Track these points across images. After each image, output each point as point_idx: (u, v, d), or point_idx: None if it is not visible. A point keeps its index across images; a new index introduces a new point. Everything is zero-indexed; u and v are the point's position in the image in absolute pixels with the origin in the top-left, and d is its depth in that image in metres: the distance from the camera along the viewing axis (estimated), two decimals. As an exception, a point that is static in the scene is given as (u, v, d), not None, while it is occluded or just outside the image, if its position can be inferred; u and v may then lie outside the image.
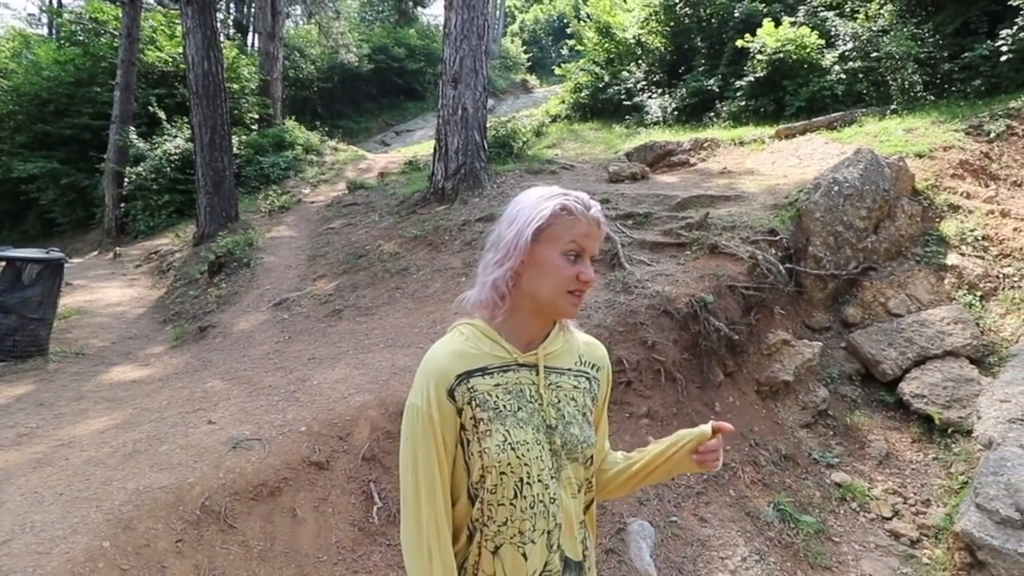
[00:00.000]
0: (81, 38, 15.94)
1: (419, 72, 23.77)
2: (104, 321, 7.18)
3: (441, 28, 24.97)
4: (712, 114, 10.16)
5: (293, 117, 17.98)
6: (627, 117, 11.54)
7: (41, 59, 15.64)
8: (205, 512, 2.69)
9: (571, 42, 14.13)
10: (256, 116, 16.19)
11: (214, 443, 3.14)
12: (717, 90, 10.31)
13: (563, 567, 1.22)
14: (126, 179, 13.02)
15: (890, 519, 3.88)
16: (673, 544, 3.35)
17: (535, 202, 1.18)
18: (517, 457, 1.14)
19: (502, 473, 1.14)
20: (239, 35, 25.35)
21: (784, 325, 4.85)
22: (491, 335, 1.20)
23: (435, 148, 8.00)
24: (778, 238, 5.11)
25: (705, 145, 8.34)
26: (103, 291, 8.54)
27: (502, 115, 16.12)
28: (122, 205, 13.27)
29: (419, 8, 24.76)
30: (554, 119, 13.26)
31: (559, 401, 1.22)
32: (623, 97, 11.82)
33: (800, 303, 5.28)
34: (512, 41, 26.59)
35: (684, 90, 10.82)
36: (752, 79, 9.38)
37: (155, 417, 3.64)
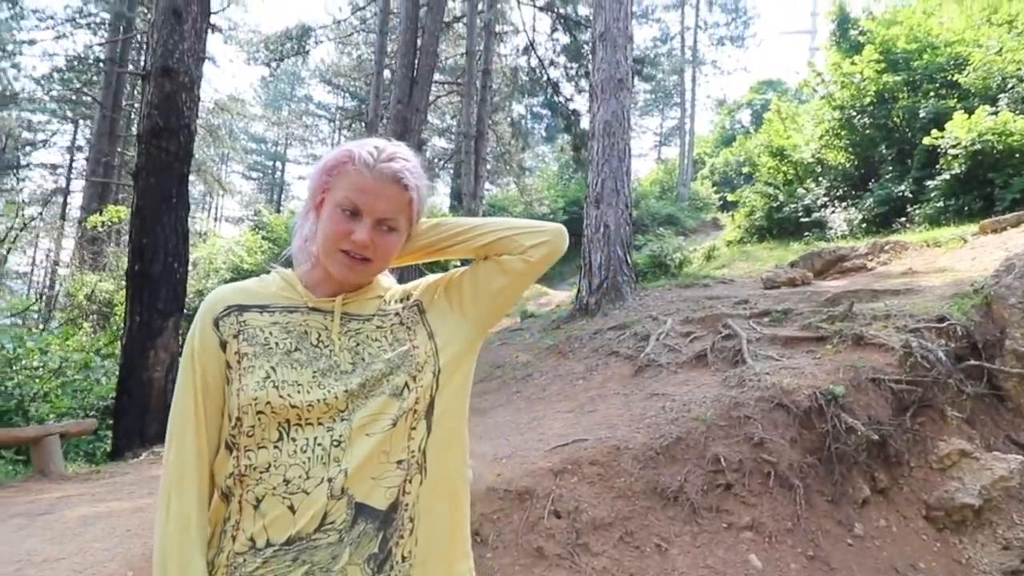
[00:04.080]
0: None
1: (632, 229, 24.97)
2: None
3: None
4: (903, 220, 8.95)
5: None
6: (807, 234, 10.67)
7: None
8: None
9: (746, 169, 13.85)
10: (458, 264, 18.21)
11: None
12: (910, 195, 9.15)
13: (353, 515, 0.96)
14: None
15: None
16: None
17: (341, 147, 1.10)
18: (280, 397, 0.96)
19: (259, 412, 0.96)
20: (457, 203, 29.50)
21: (963, 433, 3.73)
22: (288, 278, 1.09)
23: (580, 266, 8.17)
24: (945, 325, 4.11)
25: (887, 248, 7.28)
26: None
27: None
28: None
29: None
30: (729, 244, 12.79)
31: (358, 345, 1.05)
32: (800, 214, 11.05)
33: (999, 411, 4.05)
34: (702, 184, 26.93)
35: (871, 200, 9.80)
36: (948, 177, 8.18)
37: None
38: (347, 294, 1.07)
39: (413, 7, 12.10)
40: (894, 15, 11.25)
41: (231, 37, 22.31)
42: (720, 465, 3.46)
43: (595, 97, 8.31)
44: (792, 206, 11.41)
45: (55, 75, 21.44)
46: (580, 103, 14.49)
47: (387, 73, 17.93)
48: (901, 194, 9.31)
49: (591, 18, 8.94)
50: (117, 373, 6.74)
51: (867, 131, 10.60)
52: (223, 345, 1.01)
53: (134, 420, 6.31)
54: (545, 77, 15.21)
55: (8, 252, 7.60)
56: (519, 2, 16.08)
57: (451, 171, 31.58)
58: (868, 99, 10.54)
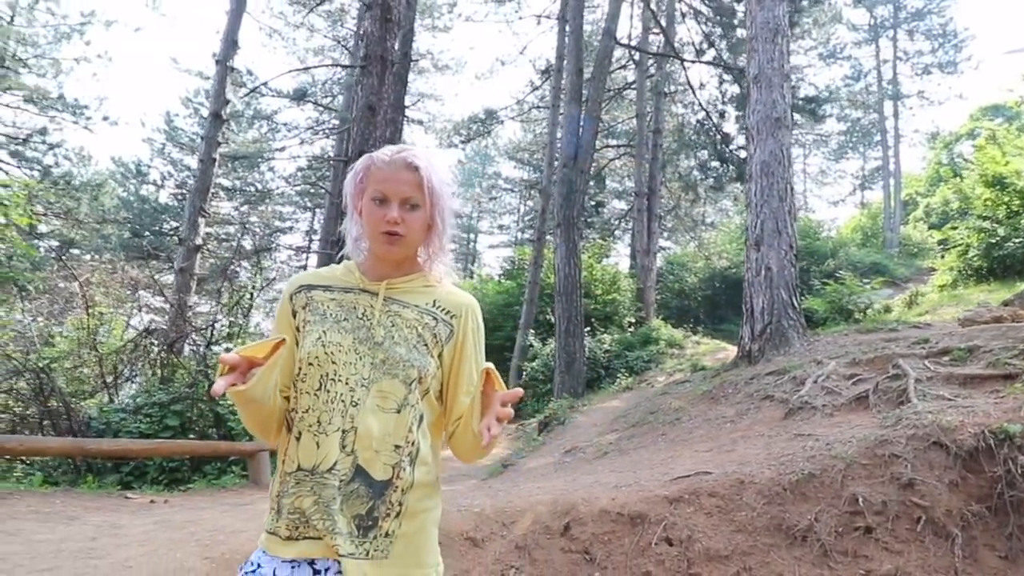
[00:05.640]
0: (513, 273, 21.34)
1: (800, 272, 23.08)
2: (457, 465, 8.76)
3: (821, 226, 24.03)
4: None
5: (664, 319, 19.39)
6: (1041, 271, 8.96)
7: (488, 292, 21.29)
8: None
9: (955, 204, 12.11)
10: (632, 320, 18.20)
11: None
12: None
13: (353, 473, 1.21)
14: (524, 372, 15.95)
15: None
16: None
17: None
18: (326, 353, 1.24)
19: (310, 364, 1.24)
20: (634, 260, 29.51)
21: None
22: (349, 266, 1.41)
23: (743, 312, 7.82)
24: None
25: None
26: (472, 449, 10.47)
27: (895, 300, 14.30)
28: (528, 394, 16.11)
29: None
30: (941, 288, 11.15)
31: (393, 325, 1.29)
32: (1030, 249, 9.32)
33: None
34: (915, 227, 23.66)
35: None
36: None
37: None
38: (391, 279, 1.35)
39: (577, 78, 12.96)
40: None
41: (430, 127, 25.51)
42: (858, 506, 3.14)
43: (751, 139, 8.13)
44: (1017, 240, 9.69)
45: (298, 173, 26.32)
46: (751, 150, 13.98)
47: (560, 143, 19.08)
48: None
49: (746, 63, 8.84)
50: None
51: (1116, 145, 8.77)
52: (294, 314, 1.35)
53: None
54: (714, 129, 15.01)
55: (250, 309, 9.43)
56: (684, 64, 16.25)
57: (630, 231, 31.85)
58: (1113, 108, 8.78)
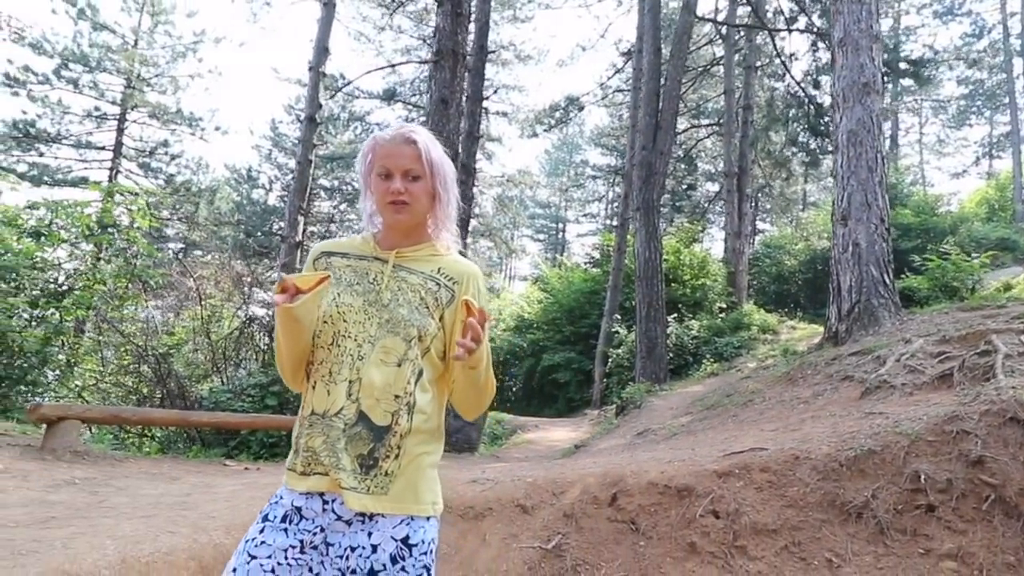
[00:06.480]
0: (598, 260, 21.18)
1: (914, 250, 21.24)
2: (537, 447, 8.99)
3: (939, 200, 22.01)
4: None
5: (761, 304, 18.54)
6: None
7: (573, 280, 21.28)
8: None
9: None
10: (723, 305, 17.57)
11: (466, 479, 3.90)
12: None
13: (357, 418, 1.36)
14: (609, 359, 15.88)
15: None
16: None
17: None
18: (338, 312, 1.39)
19: (324, 322, 1.39)
20: (727, 244, 28.29)
21: None
22: (366, 237, 1.58)
23: (829, 290, 7.41)
24: None
25: None
26: (554, 432, 10.64)
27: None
28: (604, 380, 16.06)
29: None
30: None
31: (399, 289, 1.43)
32: None
33: None
34: (1054, 196, 21.08)
35: None
36: None
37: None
38: (401, 248, 1.51)
39: (655, 58, 12.66)
40: None
41: (513, 118, 25.74)
42: (920, 483, 2.98)
43: (837, 107, 7.64)
44: None
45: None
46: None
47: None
48: None
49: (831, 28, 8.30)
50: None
51: None
52: None
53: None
54: (807, 100, 14.13)
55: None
56: (773, 35, 15.38)
57: (723, 213, 30.56)
58: None
